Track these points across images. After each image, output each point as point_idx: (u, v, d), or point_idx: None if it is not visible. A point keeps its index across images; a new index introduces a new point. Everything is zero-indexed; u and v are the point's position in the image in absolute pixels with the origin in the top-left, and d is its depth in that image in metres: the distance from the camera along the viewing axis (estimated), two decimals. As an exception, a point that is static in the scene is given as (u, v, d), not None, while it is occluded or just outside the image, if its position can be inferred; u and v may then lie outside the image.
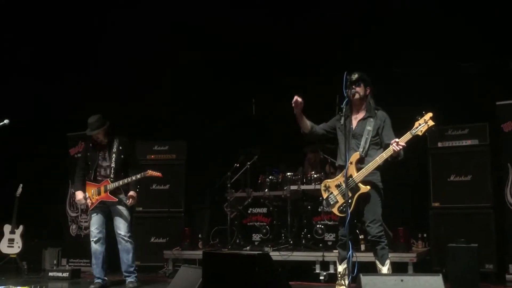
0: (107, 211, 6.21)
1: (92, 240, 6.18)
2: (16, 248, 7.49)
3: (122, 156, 6.19)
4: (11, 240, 7.52)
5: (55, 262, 7.87)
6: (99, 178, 6.16)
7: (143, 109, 8.07)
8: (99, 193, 6.11)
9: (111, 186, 6.07)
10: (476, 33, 6.81)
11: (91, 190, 6.15)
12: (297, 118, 4.92)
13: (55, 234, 8.39)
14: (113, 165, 6.13)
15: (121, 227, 6.13)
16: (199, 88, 8.27)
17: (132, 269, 6.18)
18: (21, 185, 7.65)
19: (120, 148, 6.20)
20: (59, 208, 8.30)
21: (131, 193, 6.15)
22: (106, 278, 6.22)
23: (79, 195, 6.19)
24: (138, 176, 6.04)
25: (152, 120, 8.35)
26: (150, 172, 6.06)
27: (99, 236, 6.16)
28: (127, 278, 6.19)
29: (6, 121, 5.74)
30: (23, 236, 7.54)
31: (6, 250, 7.49)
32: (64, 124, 8.41)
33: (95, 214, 6.19)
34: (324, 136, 5.12)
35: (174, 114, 8.43)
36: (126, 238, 6.14)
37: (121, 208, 6.15)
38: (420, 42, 7.06)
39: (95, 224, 6.19)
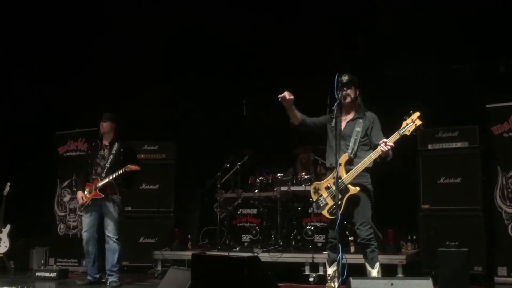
0: (100, 212, 6.24)
1: (83, 241, 6.29)
2: (3, 248, 7.40)
3: (121, 158, 6.23)
4: (-3, 240, 7.45)
5: (42, 261, 7.75)
6: (94, 177, 6.23)
7: (133, 109, 8.00)
8: (90, 192, 6.19)
9: (99, 184, 6.14)
10: (467, 36, 6.83)
11: (86, 190, 6.24)
12: (287, 110, 4.81)
13: (43, 234, 8.30)
14: (107, 165, 6.20)
15: (110, 228, 6.19)
16: (190, 89, 8.22)
17: (115, 269, 6.22)
18: (8, 183, 7.56)
19: (121, 150, 6.28)
20: (47, 207, 8.23)
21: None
22: (97, 276, 6.30)
23: (78, 194, 6.30)
24: (121, 171, 6.07)
25: (142, 120, 8.29)
26: (130, 167, 6.07)
27: (88, 238, 6.25)
28: (109, 277, 6.23)
29: None
30: (10, 235, 7.45)
31: (-7, 250, 7.41)
32: (52, 123, 8.34)
33: (88, 215, 6.25)
34: (313, 130, 4.97)
35: (164, 114, 8.37)
36: (113, 239, 6.20)
37: (112, 209, 6.19)
38: (411, 45, 7.07)
39: (85, 226, 6.30)
